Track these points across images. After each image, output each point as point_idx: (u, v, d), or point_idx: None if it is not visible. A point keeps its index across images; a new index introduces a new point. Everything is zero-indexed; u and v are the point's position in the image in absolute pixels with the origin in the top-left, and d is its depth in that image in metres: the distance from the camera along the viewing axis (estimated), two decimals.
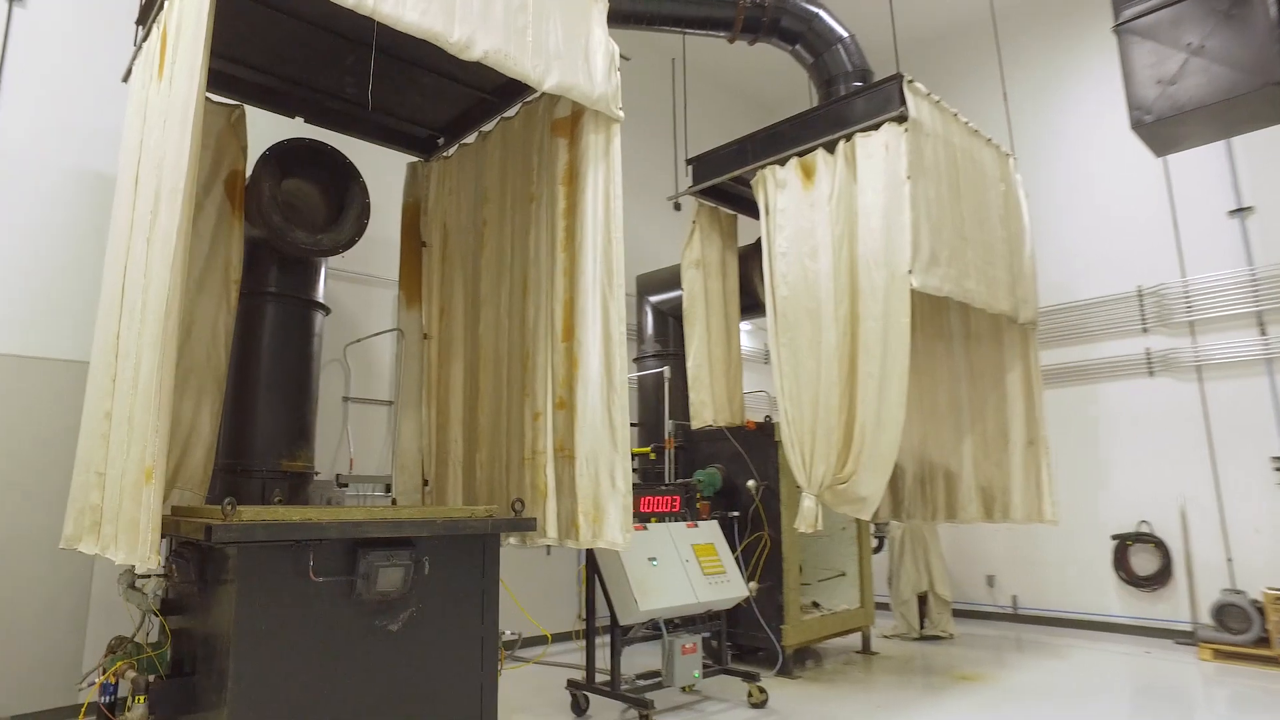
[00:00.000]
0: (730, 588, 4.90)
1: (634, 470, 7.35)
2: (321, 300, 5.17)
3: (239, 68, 4.66)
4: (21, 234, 4.80)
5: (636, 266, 8.10)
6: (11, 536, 4.48)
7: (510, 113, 4.94)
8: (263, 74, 4.74)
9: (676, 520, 5.16)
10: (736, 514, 5.98)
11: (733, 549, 5.83)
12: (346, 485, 5.62)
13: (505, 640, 4.33)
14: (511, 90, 4.89)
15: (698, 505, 5.91)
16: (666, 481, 6.17)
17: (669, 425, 6.63)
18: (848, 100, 5.53)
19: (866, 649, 6.49)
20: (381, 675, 3.41)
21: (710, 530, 5.19)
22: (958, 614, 7.98)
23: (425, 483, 5.16)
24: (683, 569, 4.73)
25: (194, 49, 3.01)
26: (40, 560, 4.56)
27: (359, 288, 6.25)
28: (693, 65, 8.49)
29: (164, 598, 3.59)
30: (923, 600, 7.05)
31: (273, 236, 4.58)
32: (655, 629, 4.72)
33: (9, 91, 4.85)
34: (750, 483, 5.88)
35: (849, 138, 5.35)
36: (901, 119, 5.08)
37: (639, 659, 5.73)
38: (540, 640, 6.54)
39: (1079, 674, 5.79)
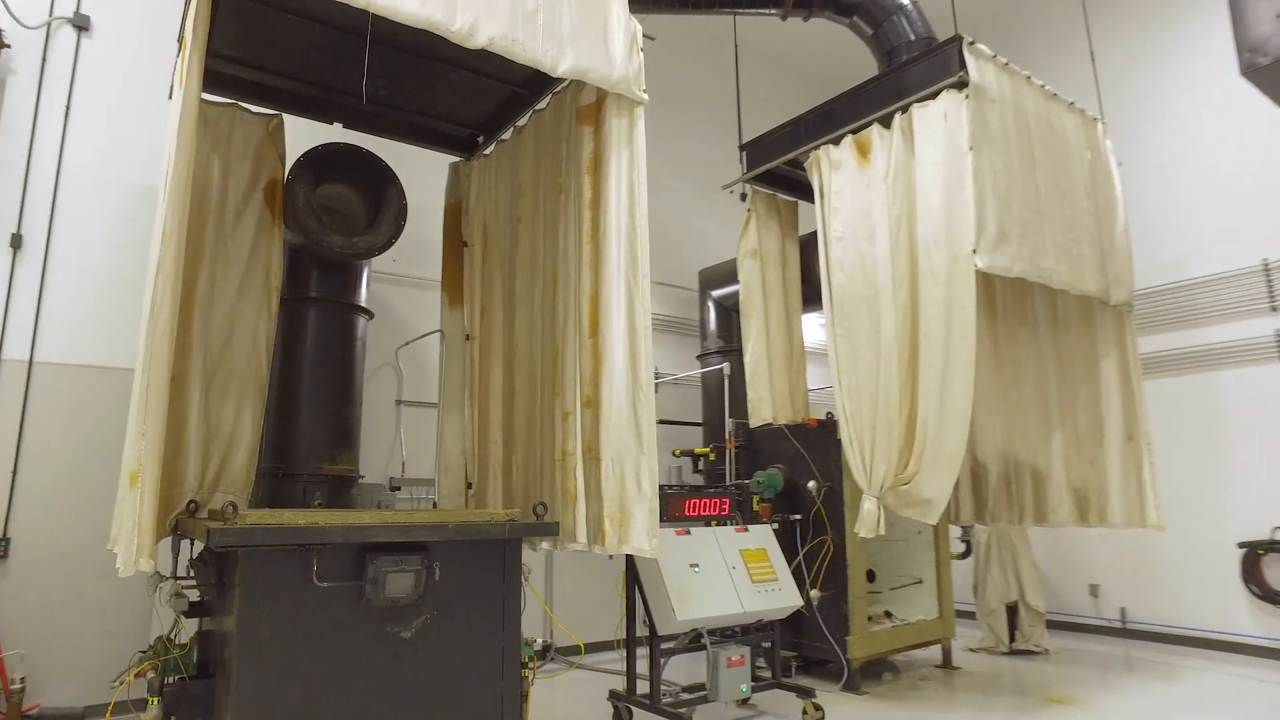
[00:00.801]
0: (782, 596, 4.59)
1: (698, 471, 7.13)
2: (364, 304, 5.20)
3: (275, 77, 4.73)
4: (93, 249, 5.06)
5: (698, 260, 7.85)
6: (88, 540, 4.68)
7: (541, 105, 4.81)
8: (299, 82, 4.80)
9: (725, 524, 4.88)
10: (799, 517, 5.64)
11: (794, 554, 5.51)
12: (399, 489, 5.64)
13: (537, 649, 4.19)
14: (541, 81, 4.75)
15: (757, 509, 5.61)
16: (727, 483, 5.89)
17: (729, 424, 6.34)
18: (903, 69, 5.11)
19: (947, 663, 5.99)
20: (394, 684, 3.32)
21: (762, 535, 4.89)
22: (1055, 626, 7.29)
23: (469, 485, 5.09)
24: (728, 576, 4.46)
25: (188, 52, 3.00)
26: (112, 561, 4.76)
27: (411, 290, 6.29)
28: (753, 48, 8.18)
29: (194, 600, 3.64)
30: (1012, 611, 6.46)
31: (309, 241, 4.62)
32: (700, 639, 4.47)
33: (77, 114, 5.12)
34: (811, 484, 5.53)
35: (905, 109, 4.94)
36: (961, 85, 4.63)
37: (693, 668, 5.47)
38: (603, 646, 6.39)
39: (1198, 701, 5.12)
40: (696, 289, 7.76)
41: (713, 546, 4.55)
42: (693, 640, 4.37)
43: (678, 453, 7.13)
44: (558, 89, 4.62)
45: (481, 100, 5.05)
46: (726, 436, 6.29)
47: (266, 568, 3.10)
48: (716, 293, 7.42)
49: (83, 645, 4.64)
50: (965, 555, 6.68)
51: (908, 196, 4.86)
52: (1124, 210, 5.68)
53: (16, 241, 4.75)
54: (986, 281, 6.29)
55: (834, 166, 5.36)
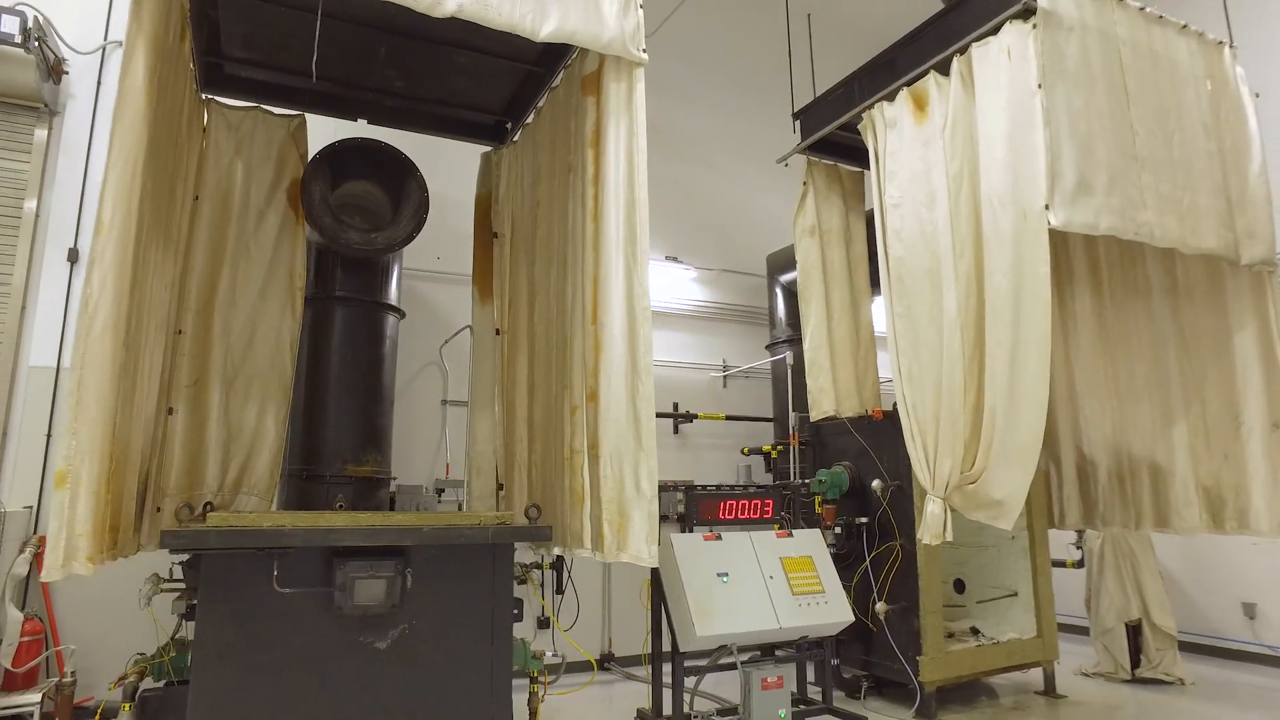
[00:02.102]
0: (828, 611, 4.07)
1: (770, 470, 6.62)
2: (393, 303, 5.11)
3: (294, 77, 4.71)
4: None
5: (766, 244, 7.33)
6: None
7: (555, 82, 4.53)
8: (319, 80, 4.74)
9: (769, 527, 4.41)
10: (865, 520, 5.05)
11: (861, 560, 4.93)
12: (443, 491, 5.52)
13: (548, 663, 3.91)
14: (554, 56, 4.47)
15: (819, 511, 5.09)
16: (780, 481, 5.39)
17: (792, 418, 5.82)
18: (961, 5, 4.44)
19: (1050, 690, 5.18)
20: (368, 698, 3.12)
21: (809, 541, 4.37)
22: (1197, 651, 6.23)
23: (500, 487, 4.88)
24: (764, 587, 3.99)
25: (133, 37, 2.93)
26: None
27: (456, 288, 6.14)
28: (818, 14, 7.57)
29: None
30: (1135, 630, 5.53)
31: (327, 239, 4.56)
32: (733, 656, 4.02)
33: None
34: (876, 483, 4.93)
35: (964, 50, 4.27)
36: (1027, 13, 3.93)
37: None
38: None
39: None
40: (765, 274, 7.24)
41: (747, 553, 4.09)
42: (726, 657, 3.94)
43: (746, 450, 6.65)
44: (568, 61, 4.33)
45: (498, 83, 4.84)
46: (790, 432, 5.77)
47: (229, 572, 2.98)
48: (785, 277, 6.87)
49: (133, 643, 4.79)
50: (1081, 564, 5.80)
51: (969, 149, 4.20)
52: (1261, 150, 4.70)
53: (74, 256, 4.98)
54: (1089, 246, 5.45)
55: (889, 125, 4.75)
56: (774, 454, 6.04)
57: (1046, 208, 3.76)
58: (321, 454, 4.61)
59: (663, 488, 3.75)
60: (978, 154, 4.14)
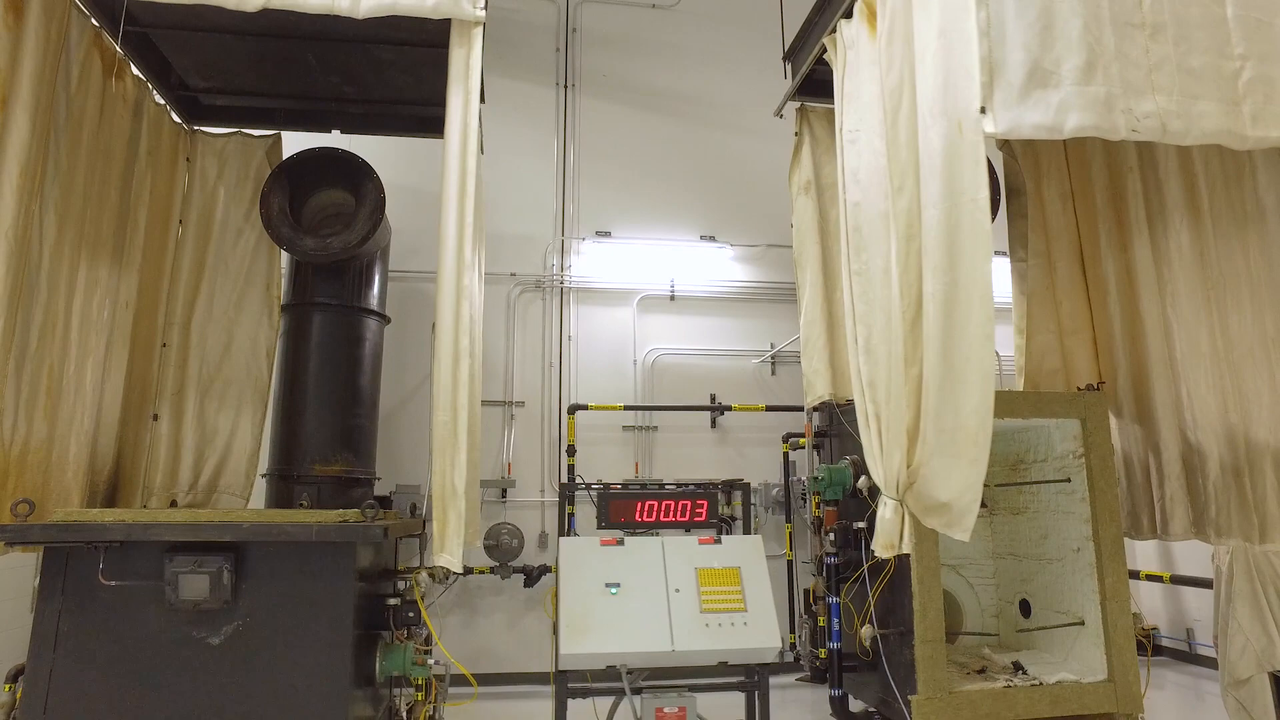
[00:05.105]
0: (747, 634, 3.40)
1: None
2: (373, 306, 5.19)
3: (266, 99, 4.99)
4: None
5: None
6: None
7: None
8: (284, 98, 4.99)
9: (708, 533, 3.81)
10: (863, 525, 4.19)
11: (857, 572, 4.12)
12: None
13: (435, 674, 3.69)
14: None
15: (817, 513, 4.37)
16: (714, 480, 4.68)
17: (806, 406, 5.03)
18: None
19: None
20: (200, 690, 3.13)
21: (743, 550, 3.69)
22: None
23: None
24: (664, 602, 3.43)
25: None
26: None
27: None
28: None
29: None
30: None
31: (286, 248, 4.75)
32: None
33: None
34: (862, 480, 4.08)
35: None
36: None
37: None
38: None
39: None
40: None
41: (653, 562, 3.55)
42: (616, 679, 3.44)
43: (787, 445, 5.90)
44: None
45: (433, 74, 4.71)
46: (805, 422, 5.00)
47: (69, 565, 3.15)
48: None
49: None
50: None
51: (906, 55, 3.32)
52: None
53: None
54: (1184, 161, 4.09)
55: (849, 46, 3.93)
56: (785, 447, 5.25)
57: (983, 111, 2.84)
58: (294, 454, 4.79)
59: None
60: (914, 63, 3.25)
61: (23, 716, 3.04)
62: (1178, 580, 5.76)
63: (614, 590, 3.44)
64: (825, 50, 4.18)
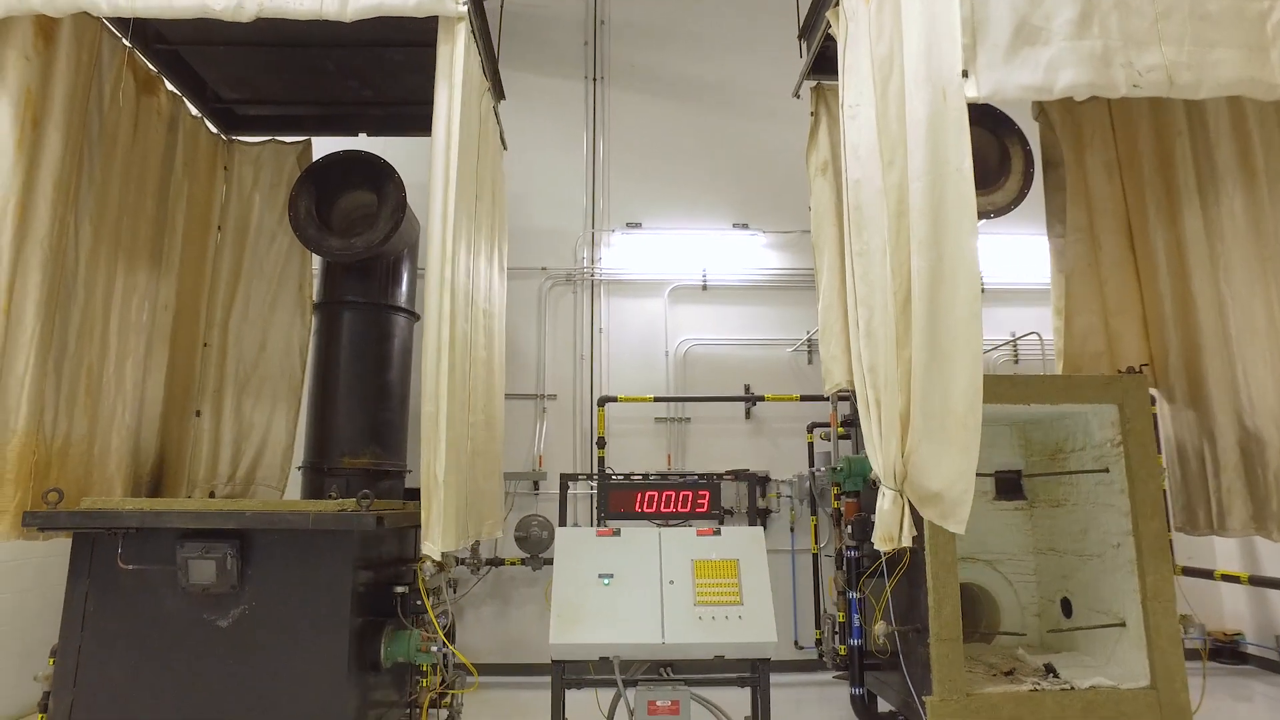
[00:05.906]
0: (741, 628, 3.30)
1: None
2: (402, 304, 5.33)
3: (295, 107, 5.20)
4: None
5: None
6: None
7: None
8: (312, 104, 5.19)
9: (709, 524, 3.73)
10: None
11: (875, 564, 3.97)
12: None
13: (436, 661, 3.75)
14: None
15: (836, 505, 4.24)
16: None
17: (828, 394, 4.86)
18: None
19: None
20: (211, 668, 3.31)
21: (742, 542, 3.59)
22: None
23: None
24: (657, 595, 3.38)
25: None
26: None
27: (518, 283, 6.23)
28: None
29: None
30: None
31: (313, 249, 4.92)
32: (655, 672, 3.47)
33: None
34: (873, 472, 3.89)
35: None
36: None
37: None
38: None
39: None
40: None
41: (648, 553, 3.50)
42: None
43: (814, 433, 5.72)
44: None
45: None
46: (831, 411, 4.83)
47: (95, 550, 3.38)
48: None
49: None
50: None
51: (895, 23, 3.14)
52: None
53: None
54: (1237, 121, 3.74)
55: (851, 18, 3.75)
56: (809, 438, 5.08)
57: (965, 75, 2.67)
58: (326, 448, 4.97)
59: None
60: (903, 31, 3.08)
61: (55, 690, 3.27)
62: (1257, 581, 5.26)
63: (606, 581, 3.41)
64: (829, 25, 4.01)
